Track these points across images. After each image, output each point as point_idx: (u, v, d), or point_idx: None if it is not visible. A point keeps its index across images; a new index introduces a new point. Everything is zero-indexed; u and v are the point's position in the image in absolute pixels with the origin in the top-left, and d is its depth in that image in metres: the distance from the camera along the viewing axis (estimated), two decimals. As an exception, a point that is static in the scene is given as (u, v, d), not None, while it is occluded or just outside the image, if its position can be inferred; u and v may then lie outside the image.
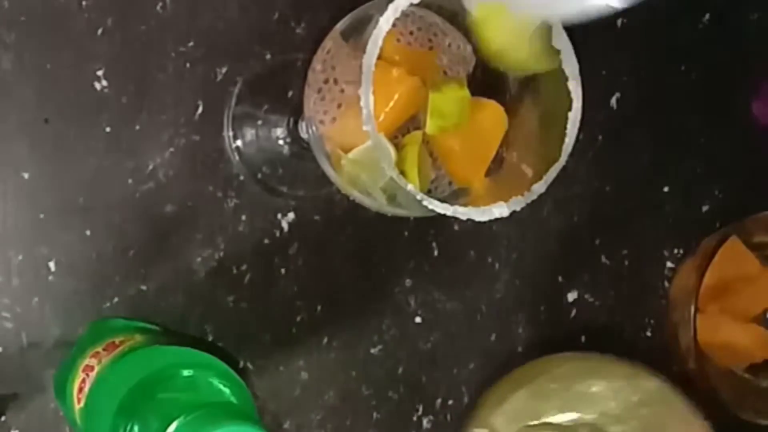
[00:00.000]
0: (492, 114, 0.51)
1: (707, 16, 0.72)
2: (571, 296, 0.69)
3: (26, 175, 0.56)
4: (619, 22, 0.69)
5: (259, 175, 0.60)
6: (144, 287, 0.58)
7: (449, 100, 0.49)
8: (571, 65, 0.47)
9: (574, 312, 0.69)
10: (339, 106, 0.48)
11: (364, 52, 0.44)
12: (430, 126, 0.49)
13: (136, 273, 0.58)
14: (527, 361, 0.66)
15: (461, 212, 0.46)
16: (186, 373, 0.48)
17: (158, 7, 0.58)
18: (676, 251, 0.72)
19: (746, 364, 0.70)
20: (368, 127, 0.44)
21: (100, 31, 0.56)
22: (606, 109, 0.69)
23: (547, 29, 0.47)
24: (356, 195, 0.49)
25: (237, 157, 0.60)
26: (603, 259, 0.70)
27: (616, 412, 0.67)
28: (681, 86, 0.71)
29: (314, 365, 0.63)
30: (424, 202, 0.45)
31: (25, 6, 0.55)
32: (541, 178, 0.47)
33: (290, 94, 0.60)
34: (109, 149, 0.57)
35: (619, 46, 0.69)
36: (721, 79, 0.72)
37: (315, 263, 0.62)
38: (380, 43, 0.44)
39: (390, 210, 0.49)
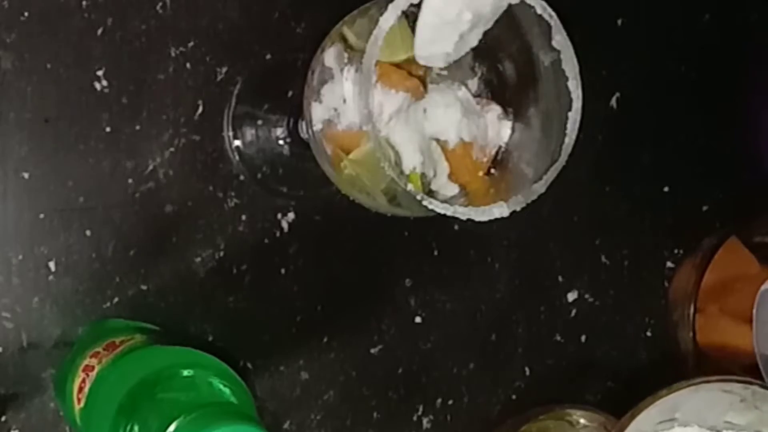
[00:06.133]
0: (491, 114, 0.51)
1: (707, 16, 0.72)
2: (571, 296, 0.69)
3: (26, 175, 0.56)
4: (619, 21, 0.69)
5: (259, 175, 0.60)
6: (144, 287, 0.58)
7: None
8: (571, 65, 0.47)
9: (574, 312, 0.69)
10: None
11: (364, 52, 0.44)
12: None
13: (136, 273, 0.58)
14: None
15: (461, 212, 0.46)
16: (186, 373, 0.48)
17: (158, 7, 0.58)
18: (676, 251, 0.72)
19: (746, 364, 0.70)
20: (368, 127, 0.44)
21: (100, 31, 0.56)
22: (606, 109, 0.69)
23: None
24: (356, 195, 0.49)
25: (237, 157, 0.60)
26: (603, 259, 0.70)
27: None
28: (681, 86, 0.71)
29: (314, 365, 0.63)
30: (424, 202, 0.45)
31: (25, 6, 0.55)
32: (541, 178, 0.47)
33: (290, 94, 0.60)
34: (109, 149, 0.57)
35: (619, 46, 0.69)
36: (721, 78, 0.72)
37: (315, 263, 0.62)
38: (380, 43, 0.44)
39: (390, 210, 0.49)
